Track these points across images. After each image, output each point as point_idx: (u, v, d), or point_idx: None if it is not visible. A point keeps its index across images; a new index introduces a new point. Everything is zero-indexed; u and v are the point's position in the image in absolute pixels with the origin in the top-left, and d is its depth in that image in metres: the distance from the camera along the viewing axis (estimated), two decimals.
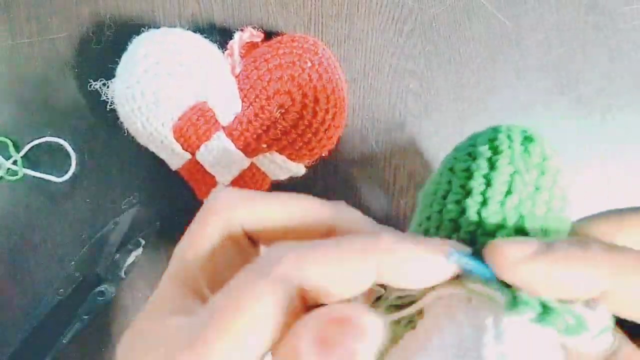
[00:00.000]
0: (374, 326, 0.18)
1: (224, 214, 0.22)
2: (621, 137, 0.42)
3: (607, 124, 0.41)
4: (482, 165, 0.22)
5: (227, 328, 0.18)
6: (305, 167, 0.40)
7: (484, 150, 0.23)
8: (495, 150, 0.23)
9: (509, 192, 0.22)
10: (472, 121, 0.41)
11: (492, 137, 0.23)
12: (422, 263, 0.19)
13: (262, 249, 0.23)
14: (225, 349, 0.18)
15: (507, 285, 0.19)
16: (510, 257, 0.18)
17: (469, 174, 0.23)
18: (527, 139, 0.23)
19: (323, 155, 0.40)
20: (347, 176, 0.41)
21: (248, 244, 0.23)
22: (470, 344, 0.19)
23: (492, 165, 0.22)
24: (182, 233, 0.42)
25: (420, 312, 0.21)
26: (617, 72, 0.41)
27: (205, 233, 0.22)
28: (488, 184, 0.22)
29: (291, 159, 0.39)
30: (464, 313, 0.20)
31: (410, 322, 0.21)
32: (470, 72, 0.41)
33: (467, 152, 0.24)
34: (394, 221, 0.42)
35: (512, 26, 0.41)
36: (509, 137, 0.23)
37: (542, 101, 0.41)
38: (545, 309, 0.18)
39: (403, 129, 0.41)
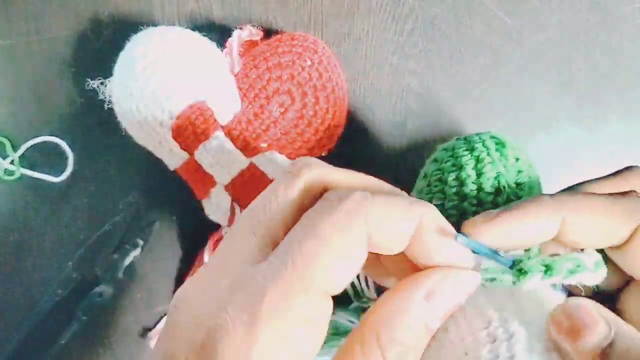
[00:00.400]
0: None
1: (315, 176, 0.24)
2: (623, 137, 0.41)
3: (609, 123, 0.41)
4: (470, 174, 0.27)
5: (313, 256, 0.20)
6: None
7: (468, 160, 0.28)
8: (478, 159, 0.27)
9: (497, 193, 0.27)
10: (473, 121, 0.41)
11: (470, 147, 0.28)
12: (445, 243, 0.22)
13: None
14: (313, 277, 0.20)
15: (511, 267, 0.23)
16: (478, 222, 0.23)
17: (460, 181, 0.27)
18: (500, 144, 0.28)
19: (323, 154, 0.40)
20: None
21: None
22: (497, 323, 0.23)
23: (479, 173, 0.27)
24: (181, 233, 0.42)
25: None
26: (619, 72, 0.41)
27: (296, 188, 0.23)
28: (479, 189, 0.27)
29: (291, 159, 0.38)
30: (484, 297, 0.24)
31: None
32: (471, 71, 0.41)
33: (452, 163, 0.28)
34: None
35: (513, 25, 0.41)
36: (485, 145, 0.28)
37: (544, 100, 0.41)
38: (547, 266, 0.22)
39: (404, 129, 0.41)
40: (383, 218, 0.22)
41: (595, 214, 0.23)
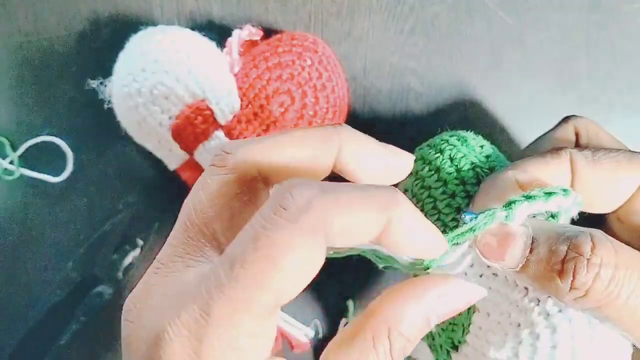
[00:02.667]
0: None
1: (239, 158, 0.22)
2: (624, 137, 0.41)
3: (610, 123, 0.41)
4: (450, 171, 0.30)
5: (265, 279, 0.19)
6: None
7: (442, 160, 0.30)
8: (451, 157, 0.30)
9: (478, 181, 0.29)
10: (474, 120, 0.41)
11: (438, 150, 0.30)
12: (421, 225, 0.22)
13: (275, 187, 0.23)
14: (262, 300, 0.19)
15: None
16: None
17: (442, 181, 0.30)
18: (462, 139, 0.30)
19: None
20: None
21: (262, 186, 0.23)
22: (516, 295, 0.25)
23: (457, 169, 0.29)
24: None
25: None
26: (620, 71, 0.41)
27: (219, 179, 0.22)
28: (463, 182, 0.29)
29: None
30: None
31: (470, 309, 0.26)
32: (471, 71, 0.41)
33: (428, 168, 0.30)
34: None
35: (514, 24, 0.41)
36: (450, 144, 0.30)
37: (544, 100, 0.41)
38: (527, 196, 0.24)
39: (404, 128, 0.41)
40: (347, 227, 0.20)
41: (533, 167, 0.26)
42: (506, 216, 0.23)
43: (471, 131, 0.32)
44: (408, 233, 0.21)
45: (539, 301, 0.24)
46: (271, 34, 0.39)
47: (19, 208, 0.41)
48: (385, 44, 0.41)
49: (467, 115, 0.41)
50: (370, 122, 0.41)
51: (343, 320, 0.40)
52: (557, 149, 0.26)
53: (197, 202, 0.22)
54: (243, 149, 0.22)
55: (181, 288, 0.21)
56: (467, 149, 0.30)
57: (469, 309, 0.26)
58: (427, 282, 0.22)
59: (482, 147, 0.30)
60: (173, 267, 0.22)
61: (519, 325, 0.24)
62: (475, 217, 0.24)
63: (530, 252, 0.23)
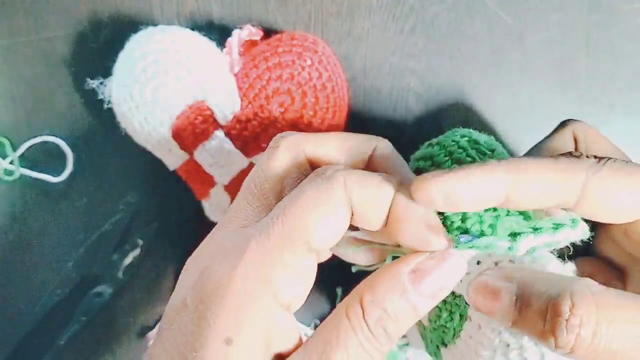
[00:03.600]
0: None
1: (289, 140, 0.27)
2: (624, 137, 0.41)
3: (610, 123, 0.41)
4: (454, 167, 0.27)
5: (302, 219, 0.23)
6: None
7: (451, 165, 0.29)
8: (459, 162, 0.29)
9: None
10: (474, 120, 0.41)
11: (447, 152, 0.30)
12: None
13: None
14: (298, 237, 0.23)
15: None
16: (428, 177, 0.24)
17: None
18: (473, 142, 0.30)
19: None
20: None
21: (309, 169, 0.27)
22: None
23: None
24: (180, 233, 0.42)
25: (466, 304, 0.26)
26: (620, 71, 0.41)
27: (274, 157, 0.27)
28: None
29: None
30: None
31: (462, 316, 0.27)
32: (471, 71, 0.41)
33: (435, 163, 0.30)
34: None
35: (514, 24, 0.41)
36: (460, 146, 0.30)
37: (545, 100, 0.41)
38: (534, 228, 0.24)
39: (404, 128, 0.41)
40: (360, 184, 0.24)
41: (540, 174, 0.24)
42: (509, 247, 0.24)
43: (482, 132, 0.31)
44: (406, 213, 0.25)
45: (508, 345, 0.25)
46: (271, 34, 0.39)
47: (19, 208, 0.41)
48: (385, 44, 0.40)
49: (467, 115, 0.41)
50: (370, 122, 0.41)
51: None
52: (574, 155, 0.25)
53: (255, 176, 0.27)
54: (292, 135, 0.27)
55: (236, 237, 0.25)
56: (477, 153, 0.29)
57: (461, 316, 0.27)
58: (401, 259, 0.24)
59: (493, 151, 0.29)
60: (234, 224, 0.26)
61: (508, 345, 0.25)
62: (470, 241, 0.24)
63: (519, 311, 0.23)
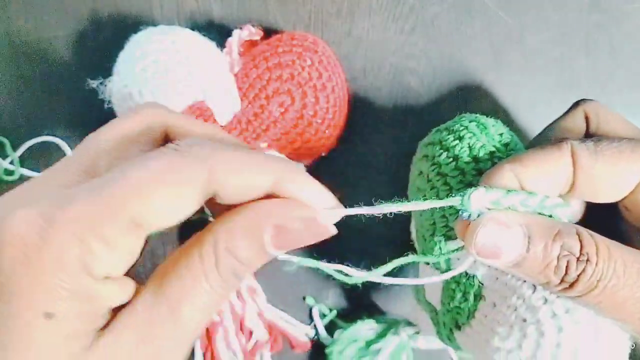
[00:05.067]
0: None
1: (150, 109, 0.24)
2: None
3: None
4: (468, 160, 0.29)
5: (135, 188, 0.19)
6: (305, 166, 0.39)
7: (461, 148, 0.29)
8: (469, 146, 0.29)
9: (491, 163, 0.29)
10: None
11: (457, 136, 0.30)
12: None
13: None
14: (126, 208, 0.19)
15: None
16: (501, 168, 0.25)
17: (460, 170, 0.29)
18: (482, 126, 0.30)
19: (323, 154, 0.39)
20: (347, 175, 0.41)
21: (162, 143, 0.24)
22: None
23: (475, 158, 0.29)
24: (180, 233, 0.42)
25: (481, 284, 0.27)
26: (620, 71, 0.41)
27: (125, 121, 0.23)
28: (479, 172, 0.28)
29: (291, 159, 0.38)
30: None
31: (477, 296, 0.27)
32: (471, 71, 0.41)
33: (446, 155, 0.30)
34: (395, 220, 0.41)
35: (514, 24, 0.41)
36: (469, 131, 0.30)
37: (545, 100, 0.41)
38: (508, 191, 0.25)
39: (404, 128, 0.41)
40: (233, 171, 0.21)
41: (532, 163, 0.25)
42: (461, 202, 0.24)
43: (490, 117, 0.31)
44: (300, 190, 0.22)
45: (546, 300, 0.25)
46: (271, 34, 0.39)
47: None
48: (385, 44, 0.40)
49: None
50: (370, 122, 0.41)
51: (338, 331, 0.40)
52: (558, 141, 0.26)
53: (95, 136, 0.23)
54: (155, 105, 0.24)
55: (51, 191, 0.21)
56: (487, 137, 0.29)
57: (475, 296, 0.27)
58: (265, 206, 0.22)
59: (501, 135, 0.30)
60: (54, 181, 0.22)
61: (525, 320, 0.25)
62: (469, 216, 0.24)
63: (526, 250, 0.24)
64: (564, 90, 0.41)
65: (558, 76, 0.41)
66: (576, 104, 0.31)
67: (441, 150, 0.30)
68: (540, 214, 0.25)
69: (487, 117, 0.31)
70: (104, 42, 0.40)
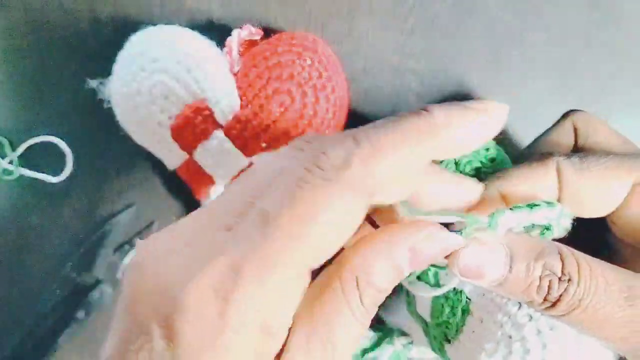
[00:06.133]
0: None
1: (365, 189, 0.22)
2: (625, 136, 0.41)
3: (611, 123, 0.41)
4: (451, 167, 0.29)
5: (300, 235, 0.19)
6: None
7: (448, 166, 0.29)
8: (456, 162, 0.29)
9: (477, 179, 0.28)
10: None
11: None
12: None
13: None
14: (296, 258, 0.19)
15: None
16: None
17: None
18: None
19: None
20: None
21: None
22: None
23: (461, 173, 0.29)
24: None
25: (468, 299, 0.27)
26: (620, 71, 0.41)
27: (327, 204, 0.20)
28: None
29: None
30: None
31: (465, 311, 0.27)
32: (472, 71, 0.41)
33: None
34: None
35: (515, 24, 0.41)
36: None
37: (545, 100, 0.41)
38: (512, 207, 0.25)
39: None
40: (393, 176, 0.21)
41: (518, 180, 0.26)
42: (489, 224, 0.24)
43: None
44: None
45: (531, 317, 0.25)
46: (271, 33, 0.39)
47: (18, 208, 0.41)
48: (385, 44, 0.40)
49: None
50: (370, 122, 0.41)
51: None
52: (544, 157, 0.27)
53: (254, 178, 0.21)
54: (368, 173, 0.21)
55: (210, 245, 0.19)
56: (473, 152, 0.30)
57: (463, 311, 0.27)
58: (398, 232, 0.22)
59: (487, 150, 0.30)
60: (208, 222, 0.20)
61: (511, 337, 0.25)
62: (461, 233, 0.24)
63: (509, 270, 0.24)
64: (564, 90, 0.41)
65: (558, 76, 0.41)
66: (565, 115, 0.31)
67: None
68: (546, 227, 0.25)
69: None
70: (104, 41, 0.40)
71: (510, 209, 0.24)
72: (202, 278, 0.18)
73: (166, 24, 0.39)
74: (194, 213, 0.22)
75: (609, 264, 0.24)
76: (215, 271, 0.18)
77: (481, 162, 0.29)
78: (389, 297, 0.23)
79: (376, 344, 0.39)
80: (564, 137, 0.31)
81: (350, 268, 0.21)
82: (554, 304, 0.23)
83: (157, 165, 0.39)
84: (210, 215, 0.21)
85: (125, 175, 0.41)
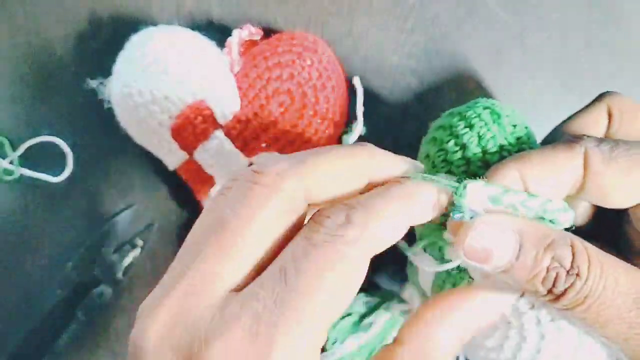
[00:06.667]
0: None
1: (286, 184, 0.22)
2: None
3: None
4: (475, 151, 0.27)
5: (316, 291, 0.19)
6: None
7: (470, 137, 0.28)
8: (479, 135, 0.27)
9: (499, 156, 0.27)
10: None
11: (468, 123, 0.28)
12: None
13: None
14: (318, 311, 0.19)
15: None
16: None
17: (466, 160, 0.28)
18: (496, 115, 0.28)
19: None
20: None
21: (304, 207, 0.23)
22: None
23: (483, 150, 0.27)
24: (180, 233, 0.42)
25: (470, 278, 0.26)
26: (620, 70, 0.41)
27: (267, 209, 0.21)
28: (486, 164, 0.27)
29: None
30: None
31: None
32: (472, 71, 0.41)
33: (454, 142, 0.28)
34: None
35: (515, 23, 0.41)
36: (482, 119, 0.28)
37: (545, 100, 0.41)
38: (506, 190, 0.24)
39: (404, 128, 0.41)
40: (387, 235, 0.22)
41: (540, 165, 0.24)
42: (456, 191, 0.23)
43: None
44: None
45: (533, 306, 0.24)
46: (271, 34, 0.39)
47: (18, 208, 0.41)
48: (385, 43, 0.40)
49: None
50: (370, 122, 0.41)
51: None
52: (571, 141, 0.25)
53: (241, 221, 0.21)
54: (292, 176, 0.22)
55: (227, 306, 0.20)
56: (499, 127, 0.28)
57: None
58: (455, 302, 0.23)
59: (514, 126, 0.28)
60: (211, 287, 0.20)
61: (509, 323, 0.25)
62: (462, 217, 0.23)
63: (516, 257, 0.23)
64: (564, 90, 0.41)
65: (558, 76, 0.41)
66: (600, 97, 0.28)
67: (450, 137, 0.29)
68: (541, 217, 0.24)
69: (503, 105, 0.30)
70: (104, 42, 0.40)
71: (484, 181, 0.24)
72: (229, 334, 0.19)
73: (166, 24, 0.39)
74: (185, 284, 0.20)
75: (624, 263, 0.23)
76: (243, 329, 0.19)
77: (506, 138, 0.28)
78: (392, 264, 0.23)
79: (373, 309, 0.38)
80: (596, 121, 0.28)
81: (418, 350, 0.22)
82: (557, 297, 0.23)
83: (157, 165, 0.39)
84: (211, 274, 0.21)
85: (125, 175, 0.41)
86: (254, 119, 0.37)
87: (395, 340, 0.23)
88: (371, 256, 0.21)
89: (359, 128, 0.39)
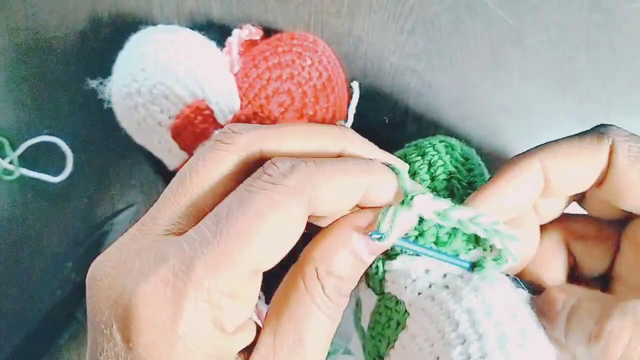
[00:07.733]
0: None
1: (246, 139, 0.23)
2: None
3: (610, 123, 0.41)
4: (424, 178, 0.28)
5: (249, 235, 0.20)
6: None
7: (421, 165, 0.29)
8: (430, 163, 0.28)
9: (451, 194, 0.28)
10: (473, 120, 0.41)
11: (421, 152, 0.29)
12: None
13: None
14: (246, 258, 0.20)
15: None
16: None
17: (413, 176, 0.28)
18: (449, 147, 0.29)
19: None
20: None
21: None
22: (466, 324, 0.23)
23: (432, 177, 0.28)
24: None
25: (406, 312, 0.26)
26: (620, 71, 0.41)
27: (223, 155, 0.22)
28: (434, 191, 0.27)
29: None
30: (450, 298, 0.24)
31: (400, 324, 0.26)
32: (472, 71, 0.41)
33: (407, 170, 0.28)
34: None
35: (514, 24, 0.41)
36: (435, 149, 0.29)
37: (544, 100, 0.41)
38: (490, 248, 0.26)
39: (404, 128, 0.41)
40: (330, 193, 0.21)
41: (566, 155, 0.24)
42: (404, 200, 0.24)
43: (463, 141, 0.30)
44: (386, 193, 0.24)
45: (464, 341, 0.23)
46: (271, 34, 0.39)
47: (18, 208, 0.41)
48: (385, 44, 0.40)
49: (467, 115, 0.41)
50: (370, 122, 0.41)
51: None
52: (600, 134, 0.24)
53: (193, 173, 0.22)
54: (253, 132, 0.23)
55: (160, 248, 0.21)
56: (450, 158, 0.28)
57: (398, 323, 0.26)
58: (349, 219, 0.23)
59: (467, 159, 0.29)
60: (154, 230, 0.22)
61: (438, 358, 0.24)
62: (380, 236, 0.23)
63: (568, 319, 0.23)
64: (564, 90, 0.41)
65: (558, 76, 0.41)
66: (600, 136, 0.25)
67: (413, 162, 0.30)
68: (485, 239, 0.24)
69: (461, 142, 0.30)
70: (104, 42, 0.40)
71: (435, 196, 0.24)
72: (154, 277, 0.20)
73: (166, 24, 0.39)
74: (138, 224, 0.22)
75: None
76: (167, 269, 0.20)
77: (456, 167, 0.28)
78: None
79: None
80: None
81: (310, 261, 0.22)
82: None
83: (157, 165, 0.39)
84: (157, 220, 0.22)
85: (125, 175, 0.41)
86: (254, 119, 0.37)
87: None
88: (310, 212, 0.21)
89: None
